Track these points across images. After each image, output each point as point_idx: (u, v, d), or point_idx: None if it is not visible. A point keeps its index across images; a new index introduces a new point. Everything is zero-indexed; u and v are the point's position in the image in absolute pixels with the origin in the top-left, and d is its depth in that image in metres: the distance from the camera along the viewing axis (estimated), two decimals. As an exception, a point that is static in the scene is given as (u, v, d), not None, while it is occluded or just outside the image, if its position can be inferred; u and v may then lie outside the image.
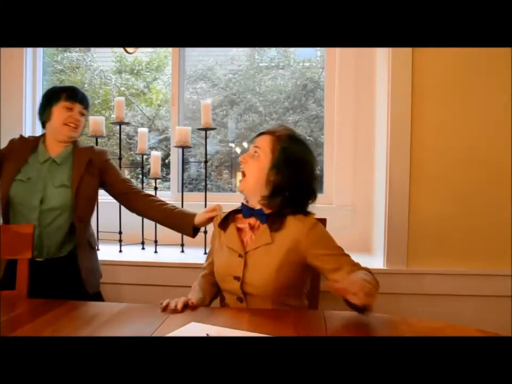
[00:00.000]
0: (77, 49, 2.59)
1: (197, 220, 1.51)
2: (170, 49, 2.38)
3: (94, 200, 1.66)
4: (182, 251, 2.02)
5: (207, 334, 1.01)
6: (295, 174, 1.26)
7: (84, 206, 1.58)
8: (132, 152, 2.61)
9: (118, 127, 2.07)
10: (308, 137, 2.37)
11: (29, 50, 2.33)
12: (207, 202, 2.01)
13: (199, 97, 2.45)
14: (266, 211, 1.28)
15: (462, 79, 1.73)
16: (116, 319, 1.16)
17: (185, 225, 1.54)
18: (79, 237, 1.57)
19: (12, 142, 1.65)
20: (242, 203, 1.34)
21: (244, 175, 1.31)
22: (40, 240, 1.52)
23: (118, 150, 2.09)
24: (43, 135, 1.65)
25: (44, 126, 1.64)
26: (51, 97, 1.60)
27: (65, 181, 1.56)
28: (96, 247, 1.72)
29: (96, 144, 2.02)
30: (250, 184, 1.28)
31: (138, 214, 1.68)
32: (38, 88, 2.38)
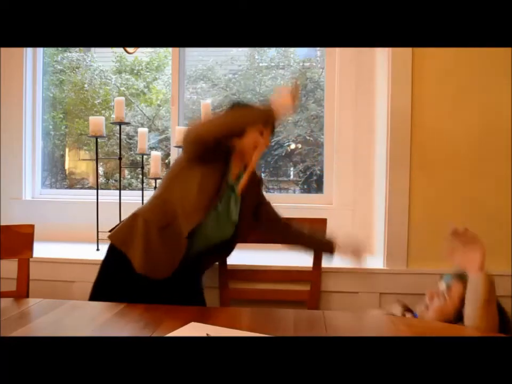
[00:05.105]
0: (77, 49, 2.58)
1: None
2: (170, 49, 2.38)
3: None
4: (182, 251, 2.02)
5: (207, 334, 1.01)
6: None
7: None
8: (132, 152, 2.61)
9: (118, 127, 2.07)
10: (307, 137, 2.37)
11: (29, 50, 2.33)
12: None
13: (199, 97, 2.44)
14: None
15: (462, 79, 1.73)
16: (115, 319, 1.16)
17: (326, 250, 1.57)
18: None
19: None
20: None
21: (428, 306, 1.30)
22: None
23: (118, 150, 2.09)
24: (229, 150, 1.45)
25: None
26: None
27: (236, 218, 1.49)
28: None
29: (96, 144, 2.02)
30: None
31: (284, 243, 1.66)
32: (38, 88, 2.37)
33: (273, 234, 1.63)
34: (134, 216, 1.46)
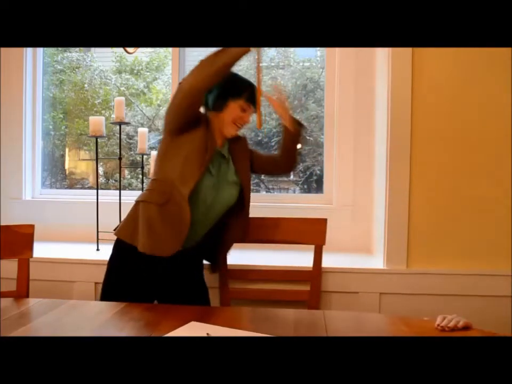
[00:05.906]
0: (77, 49, 2.58)
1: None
2: (170, 49, 2.38)
3: None
4: (182, 251, 2.02)
5: (208, 334, 1.01)
6: None
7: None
8: (132, 152, 2.61)
9: (118, 127, 2.07)
10: (308, 137, 2.37)
11: (29, 50, 2.33)
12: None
13: (199, 97, 2.44)
14: None
15: (462, 79, 1.73)
16: (116, 319, 1.16)
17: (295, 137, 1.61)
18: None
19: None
20: None
21: None
22: (194, 230, 1.46)
23: (118, 150, 2.09)
24: (207, 118, 1.51)
25: (207, 110, 1.55)
26: (231, 90, 1.51)
27: (235, 178, 1.55)
28: None
29: (96, 144, 2.02)
30: None
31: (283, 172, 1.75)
32: (38, 88, 2.37)
33: (273, 172, 1.78)
34: (135, 204, 1.49)
